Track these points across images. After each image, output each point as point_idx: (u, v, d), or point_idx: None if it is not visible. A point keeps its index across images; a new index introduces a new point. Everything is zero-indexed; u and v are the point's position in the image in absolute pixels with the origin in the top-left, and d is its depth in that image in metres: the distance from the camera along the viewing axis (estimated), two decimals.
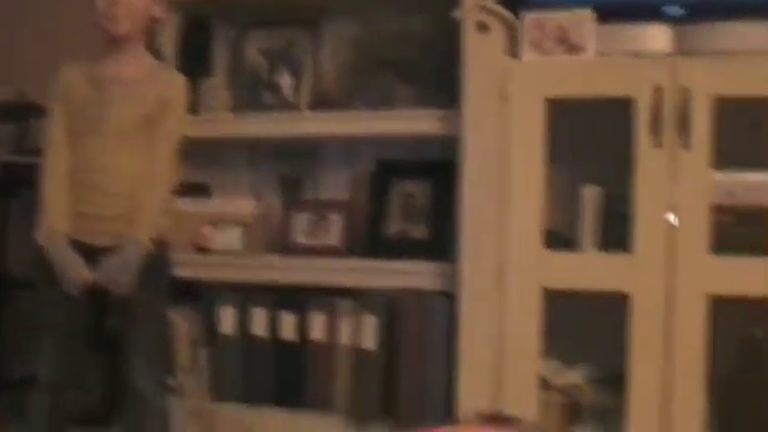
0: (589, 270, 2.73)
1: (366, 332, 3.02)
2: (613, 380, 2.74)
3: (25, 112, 3.84)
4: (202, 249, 3.25)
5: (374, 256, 3.08)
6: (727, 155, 2.64)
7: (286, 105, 3.26)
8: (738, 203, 2.65)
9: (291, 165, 3.39)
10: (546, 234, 2.76)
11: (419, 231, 3.10)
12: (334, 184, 3.35)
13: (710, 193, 2.63)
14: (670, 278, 2.63)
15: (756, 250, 2.60)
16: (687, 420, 2.63)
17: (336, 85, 3.24)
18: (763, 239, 2.62)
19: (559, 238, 2.80)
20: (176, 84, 2.76)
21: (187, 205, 3.22)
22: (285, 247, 3.24)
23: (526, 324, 2.75)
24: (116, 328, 2.72)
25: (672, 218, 2.62)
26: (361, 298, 3.04)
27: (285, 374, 3.13)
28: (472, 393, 2.79)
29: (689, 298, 2.62)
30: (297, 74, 3.29)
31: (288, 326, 3.12)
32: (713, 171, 2.63)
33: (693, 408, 2.63)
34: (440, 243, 2.99)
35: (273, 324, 3.13)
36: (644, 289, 2.65)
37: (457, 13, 2.82)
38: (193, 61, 3.35)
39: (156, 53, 3.03)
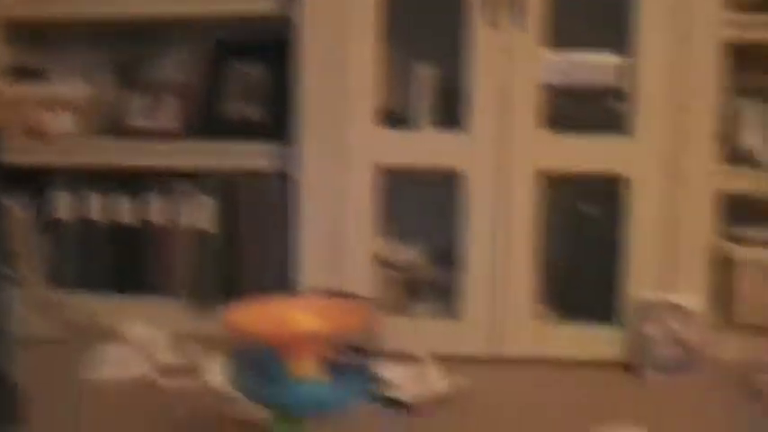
0: (424, 148, 2.75)
1: (204, 214, 3.00)
2: (450, 256, 2.79)
3: None
4: (35, 134, 3.14)
5: (211, 137, 3.04)
6: (562, 35, 2.67)
7: None
8: (571, 82, 2.70)
9: (127, 46, 3.29)
10: (382, 112, 2.76)
11: (257, 112, 3.06)
12: (171, 66, 3.27)
13: (544, 71, 2.67)
14: (503, 155, 2.67)
15: (588, 128, 2.66)
16: (519, 295, 2.71)
17: None
18: (595, 117, 2.68)
19: (395, 117, 2.80)
20: None
21: (17, 89, 3.10)
22: (120, 129, 3.16)
23: (363, 203, 2.77)
24: None
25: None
26: (198, 180, 3.01)
27: (124, 259, 3.10)
28: (311, 272, 2.81)
29: (521, 175, 2.67)
30: None
31: (125, 210, 3.07)
32: (547, 50, 2.67)
33: (525, 283, 2.71)
34: (277, 124, 2.96)
35: (111, 209, 3.08)
36: (478, 166, 2.69)
37: None
38: None
39: None
